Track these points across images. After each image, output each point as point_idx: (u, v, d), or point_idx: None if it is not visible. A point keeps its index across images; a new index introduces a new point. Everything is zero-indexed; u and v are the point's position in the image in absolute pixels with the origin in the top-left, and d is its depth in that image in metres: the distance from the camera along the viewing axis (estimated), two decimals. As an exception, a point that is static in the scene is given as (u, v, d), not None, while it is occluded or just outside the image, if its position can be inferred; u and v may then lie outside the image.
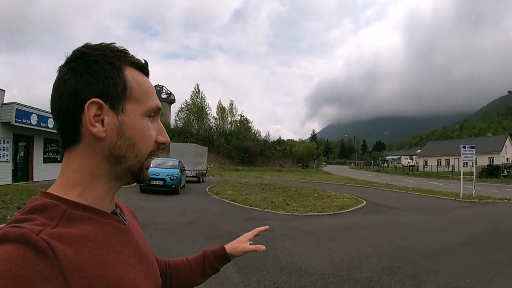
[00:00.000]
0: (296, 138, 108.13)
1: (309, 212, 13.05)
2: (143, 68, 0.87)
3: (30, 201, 0.75)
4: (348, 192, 20.26)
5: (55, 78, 0.81)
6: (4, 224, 0.68)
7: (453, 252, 7.98)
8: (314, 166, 77.22)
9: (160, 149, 0.90)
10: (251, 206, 14.15)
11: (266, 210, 13.34)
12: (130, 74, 0.82)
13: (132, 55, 0.86)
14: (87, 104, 0.75)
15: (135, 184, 18.37)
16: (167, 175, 17.62)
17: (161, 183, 17.37)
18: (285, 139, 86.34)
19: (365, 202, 16.36)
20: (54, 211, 0.71)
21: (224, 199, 16.10)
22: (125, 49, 0.85)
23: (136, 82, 0.82)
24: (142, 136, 0.82)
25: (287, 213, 12.84)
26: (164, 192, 17.39)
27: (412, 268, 6.60)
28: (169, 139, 0.91)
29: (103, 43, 0.83)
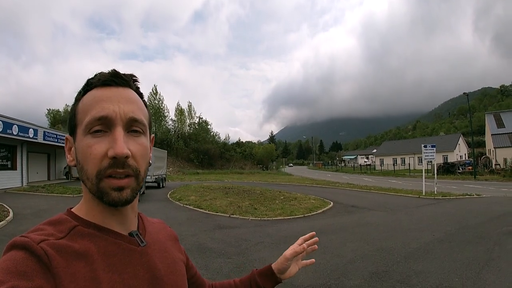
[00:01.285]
0: (254, 140, 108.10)
1: (279, 216, 12.50)
2: (100, 82, 0.84)
3: (55, 215, 0.84)
4: (312, 193, 20.03)
5: None
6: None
7: (433, 250, 7.84)
8: (274, 167, 77.21)
9: (120, 164, 0.79)
10: (217, 212, 13.43)
11: (234, 216, 12.66)
12: (85, 98, 0.84)
13: (98, 74, 0.86)
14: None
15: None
16: (126, 182, 16.57)
17: (119, 190, 16.33)
18: (244, 141, 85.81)
19: (332, 203, 16.06)
20: (64, 225, 0.79)
21: (187, 206, 15.31)
22: (96, 74, 0.86)
23: (82, 104, 0.83)
24: (84, 156, 0.80)
25: (257, 218, 12.25)
26: (123, 200, 16.39)
27: (399, 272, 6.32)
28: (120, 150, 0.78)
29: None
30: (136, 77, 0.90)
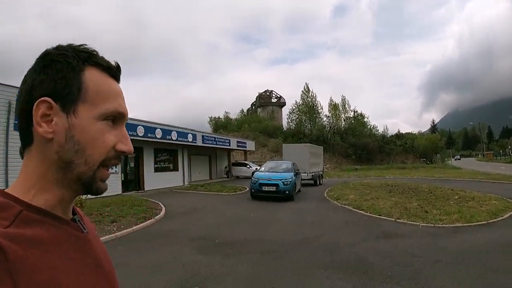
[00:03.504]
0: (414, 131, 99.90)
1: (456, 223, 10.25)
2: (109, 70, 0.81)
3: None
4: (490, 191, 16.52)
5: None
6: None
7: None
8: (439, 160, 70.45)
9: (120, 158, 0.80)
10: (380, 215, 11.84)
11: (400, 220, 10.92)
12: (91, 75, 0.77)
13: (100, 56, 0.81)
14: (36, 103, 0.73)
15: (241, 191, 17.95)
16: (280, 180, 16.35)
17: (274, 189, 16.22)
18: (404, 133, 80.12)
19: (521, 204, 12.97)
20: (8, 212, 0.69)
21: (346, 206, 14.08)
22: (93, 50, 0.80)
23: (94, 84, 0.77)
24: (93, 141, 0.75)
25: (429, 224, 10.23)
26: (277, 198, 15.96)
27: None
28: (131, 149, 0.80)
29: (72, 44, 0.79)
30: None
